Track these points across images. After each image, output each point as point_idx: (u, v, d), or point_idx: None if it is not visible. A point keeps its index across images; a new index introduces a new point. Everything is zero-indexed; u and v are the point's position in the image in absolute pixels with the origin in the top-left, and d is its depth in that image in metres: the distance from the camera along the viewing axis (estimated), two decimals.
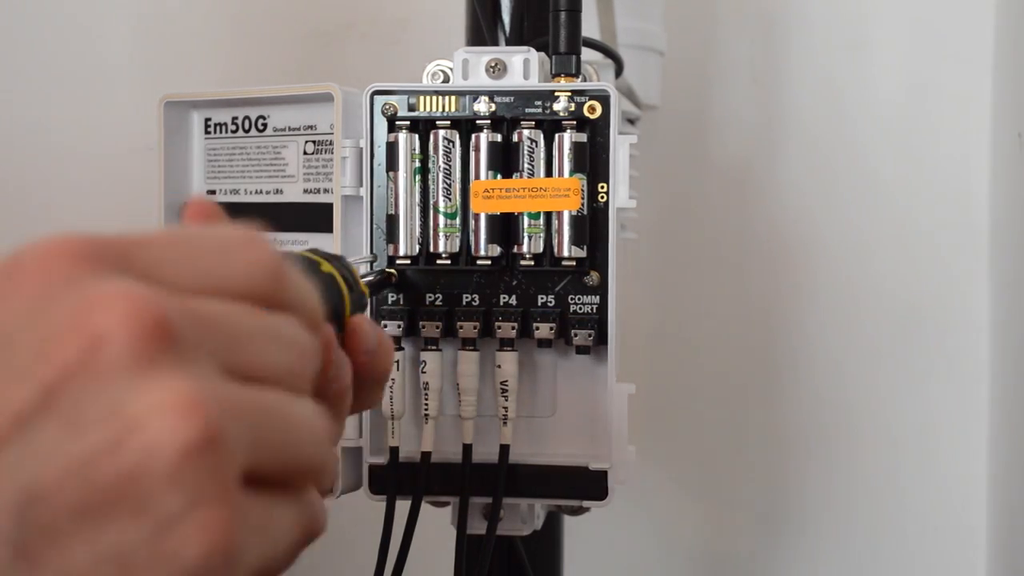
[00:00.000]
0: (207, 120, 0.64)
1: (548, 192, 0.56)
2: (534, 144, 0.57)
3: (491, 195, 0.56)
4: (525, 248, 0.57)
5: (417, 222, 0.57)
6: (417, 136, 0.57)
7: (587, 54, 0.64)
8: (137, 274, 0.27)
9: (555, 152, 0.57)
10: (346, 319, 0.39)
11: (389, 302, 0.58)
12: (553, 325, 0.57)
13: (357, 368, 0.38)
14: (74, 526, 0.25)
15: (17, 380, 0.25)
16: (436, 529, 0.65)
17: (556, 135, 0.57)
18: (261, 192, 0.62)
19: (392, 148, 0.57)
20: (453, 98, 0.57)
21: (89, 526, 0.25)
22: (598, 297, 0.57)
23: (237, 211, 0.63)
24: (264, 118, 0.62)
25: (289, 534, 0.29)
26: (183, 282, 0.29)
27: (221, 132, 0.63)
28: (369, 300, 0.57)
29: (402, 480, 0.58)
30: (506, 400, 0.57)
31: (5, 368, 0.25)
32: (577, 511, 0.63)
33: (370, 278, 0.56)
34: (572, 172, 0.56)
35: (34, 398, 0.25)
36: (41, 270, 0.26)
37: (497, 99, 0.57)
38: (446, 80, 0.59)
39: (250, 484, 0.27)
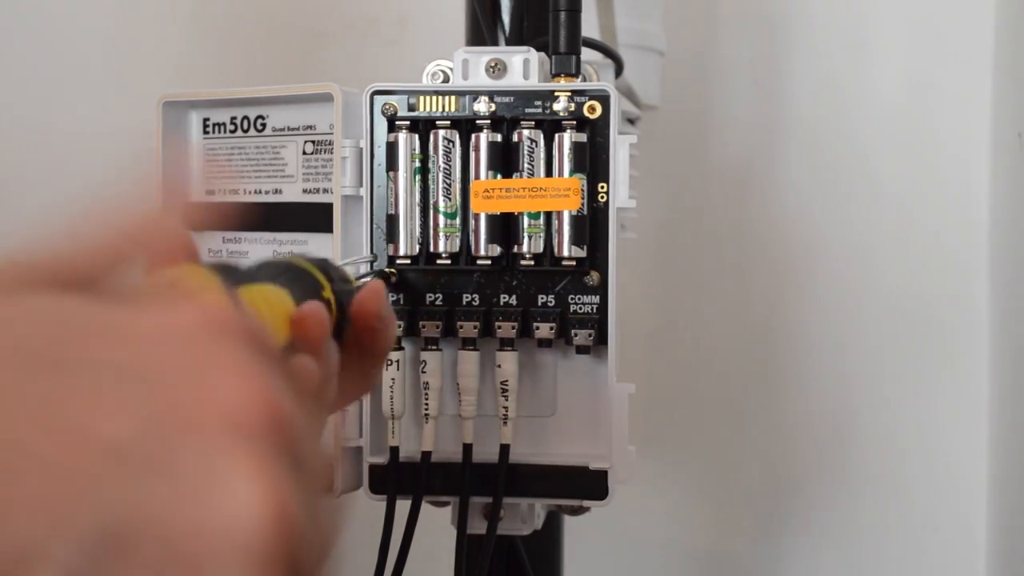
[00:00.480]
0: (206, 120, 0.64)
1: (548, 192, 0.56)
2: (534, 144, 0.57)
3: (491, 195, 0.56)
4: (525, 248, 0.57)
5: (417, 222, 0.57)
6: (417, 136, 0.57)
7: (587, 54, 0.64)
8: (265, 355, 0.28)
9: (555, 152, 0.56)
10: (332, 313, 0.39)
11: (389, 302, 0.58)
12: (553, 325, 0.57)
13: (363, 336, 0.38)
14: (139, 570, 0.24)
15: (126, 412, 0.25)
16: (436, 529, 0.65)
17: (556, 135, 0.57)
18: (260, 192, 0.62)
19: (392, 148, 0.57)
20: (453, 98, 0.57)
21: (150, 571, 0.24)
22: (598, 297, 0.57)
23: (236, 211, 0.63)
24: (263, 118, 0.62)
25: None
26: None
27: (220, 132, 0.63)
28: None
29: (402, 480, 0.58)
30: (506, 400, 0.57)
31: (118, 398, 0.25)
32: (577, 511, 0.63)
33: (369, 278, 0.56)
34: (572, 172, 0.56)
35: (139, 434, 0.25)
36: (193, 323, 0.27)
37: (497, 99, 0.57)
38: (446, 80, 0.59)
39: None
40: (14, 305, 0.27)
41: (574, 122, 0.56)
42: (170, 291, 0.29)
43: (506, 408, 0.57)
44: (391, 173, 0.57)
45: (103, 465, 0.24)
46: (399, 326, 0.58)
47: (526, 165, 0.56)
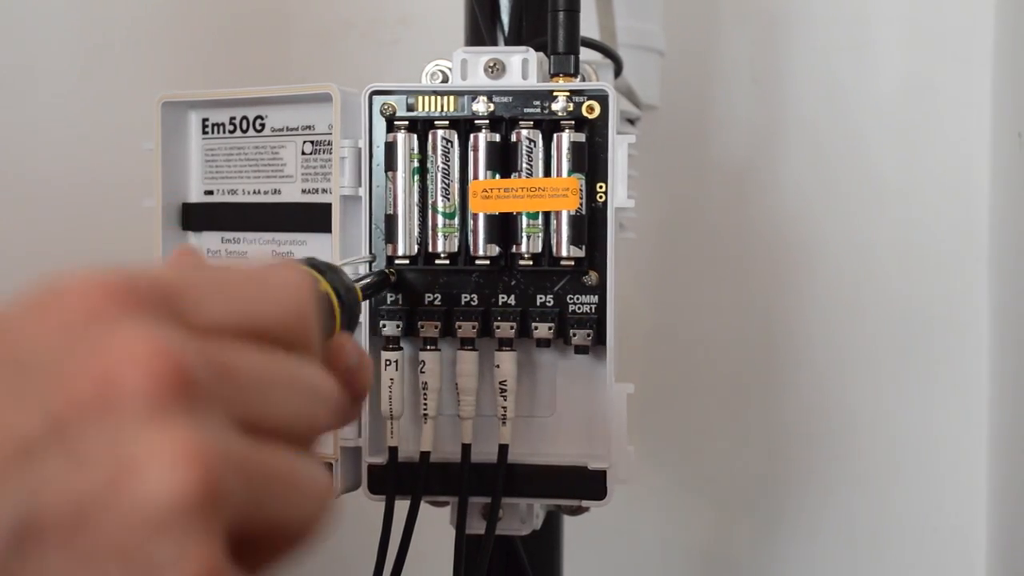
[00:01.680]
0: (204, 120, 0.64)
1: (547, 192, 0.56)
2: (532, 144, 0.57)
3: (490, 195, 0.56)
4: (524, 248, 0.57)
5: (416, 222, 0.57)
6: (416, 136, 0.57)
7: (586, 54, 0.64)
8: (171, 316, 0.28)
9: (554, 152, 0.56)
10: (334, 336, 0.39)
11: (388, 302, 0.58)
12: (552, 325, 0.57)
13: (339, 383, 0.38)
14: (61, 560, 0.25)
15: (27, 407, 0.25)
16: (435, 529, 0.65)
17: (555, 135, 0.56)
18: (259, 192, 0.62)
19: (391, 148, 0.57)
20: (452, 98, 0.57)
21: (76, 562, 0.25)
22: (597, 297, 0.57)
23: (235, 212, 0.63)
24: (262, 118, 0.62)
25: None
26: (217, 323, 0.29)
27: (219, 132, 0.63)
28: (365, 303, 0.57)
29: (401, 480, 0.58)
30: (505, 400, 0.57)
31: (18, 393, 0.25)
32: (576, 511, 0.63)
33: (368, 279, 0.56)
34: (571, 172, 0.56)
35: (42, 427, 0.25)
36: (73, 301, 0.27)
37: (496, 99, 0.57)
38: (445, 80, 0.59)
39: (237, 542, 0.27)
40: None
41: (573, 122, 0.56)
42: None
43: (505, 408, 0.57)
44: (390, 173, 0.57)
45: (9, 461, 0.25)
46: (398, 326, 0.58)
47: (525, 165, 0.56)
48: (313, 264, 0.41)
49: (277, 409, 0.29)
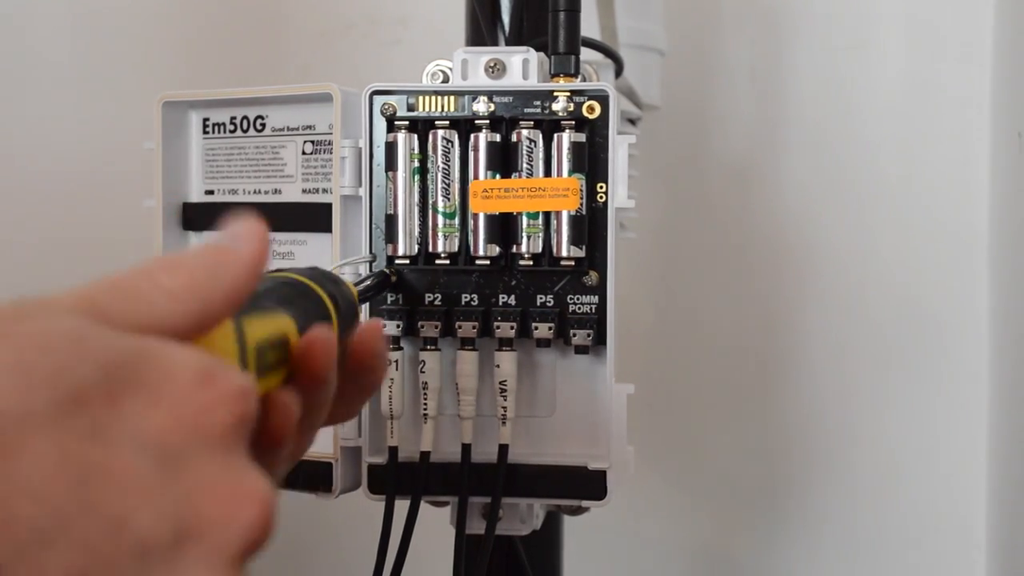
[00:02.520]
0: (205, 120, 0.64)
1: (547, 192, 0.56)
2: (533, 144, 0.57)
3: (490, 195, 0.56)
4: (524, 248, 0.57)
5: (416, 222, 0.57)
6: (416, 136, 0.57)
7: (587, 54, 0.64)
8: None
9: (554, 152, 0.56)
10: (335, 331, 0.40)
11: (388, 302, 0.58)
12: (552, 325, 0.57)
13: (358, 373, 0.39)
14: None
15: (163, 512, 0.26)
16: (435, 529, 0.65)
17: (555, 135, 0.56)
18: (259, 192, 0.62)
19: (391, 148, 0.57)
20: (452, 98, 0.57)
21: None
22: (597, 297, 0.57)
23: (235, 211, 0.63)
24: (263, 118, 0.62)
25: None
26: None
27: (219, 132, 0.63)
28: (364, 306, 0.57)
29: (401, 480, 0.58)
30: (505, 400, 0.57)
31: (158, 490, 0.26)
32: (576, 511, 0.63)
33: (368, 282, 0.56)
34: (571, 172, 0.56)
35: (167, 541, 0.26)
36: (231, 405, 0.28)
37: (496, 99, 0.57)
38: (445, 80, 0.59)
39: None
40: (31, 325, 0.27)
41: (573, 122, 0.56)
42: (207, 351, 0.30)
43: (505, 408, 0.57)
44: (390, 173, 0.57)
45: (128, 558, 0.25)
46: (398, 326, 0.58)
47: (525, 165, 0.56)
48: (314, 275, 0.41)
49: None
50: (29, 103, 1.06)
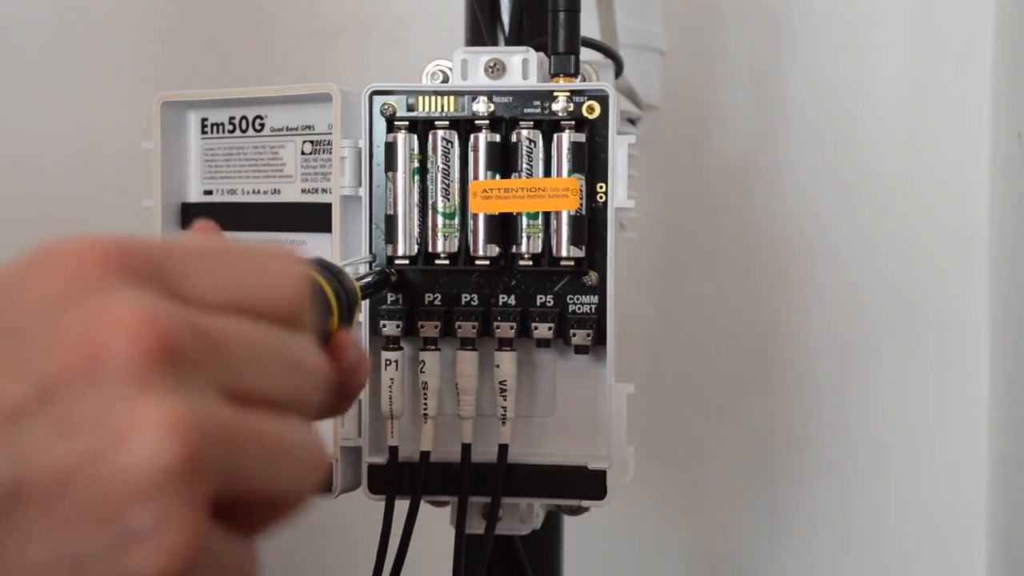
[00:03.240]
0: (204, 120, 0.64)
1: (547, 192, 0.56)
2: (533, 144, 0.57)
3: (490, 195, 0.56)
4: (524, 248, 0.57)
5: (416, 222, 0.57)
6: (416, 136, 0.57)
7: (588, 54, 0.64)
8: (163, 285, 0.28)
9: (554, 152, 0.56)
10: (332, 334, 0.40)
11: (388, 302, 0.58)
12: (552, 325, 0.57)
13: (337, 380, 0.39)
14: (42, 525, 0.25)
15: (16, 374, 0.26)
16: (435, 529, 0.65)
17: (555, 135, 0.56)
18: (259, 192, 0.62)
19: (391, 148, 0.57)
20: (452, 98, 0.57)
21: (56, 527, 0.25)
22: (597, 297, 0.57)
23: (235, 211, 0.63)
24: (262, 118, 0.62)
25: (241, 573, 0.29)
26: (208, 295, 0.29)
27: (218, 132, 0.63)
28: (365, 303, 0.57)
29: (401, 480, 0.58)
30: (505, 400, 0.57)
31: (9, 360, 0.26)
32: (576, 511, 0.63)
33: (369, 279, 0.56)
34: (571, 172, 0.56)
35: (29, 394, 0.25)
36: (66, 268, 0.27)
37: (496, 99, 0.57)
38: (445, 80, 0.59)
39: (220, 512, 0.27)
40: None
41: (573, 122, 0.56)
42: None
43: (505, 408, 0.57)
44: (390, 173, 0.57)
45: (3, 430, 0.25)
46: (398, 326, 0.58)
47: (525, 165, 0.56)
48: (319, 264, 0.41)
49: (265, 379, 0.30)
50: (28, 103, 1.06)
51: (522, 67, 0.59)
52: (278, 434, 0.29)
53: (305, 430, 0.30)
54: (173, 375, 0.26)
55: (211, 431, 0.26)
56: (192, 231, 0.36)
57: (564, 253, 0.56)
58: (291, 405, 0.30)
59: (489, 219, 0.57)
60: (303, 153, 0.61)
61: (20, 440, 0.25)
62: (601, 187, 0.57)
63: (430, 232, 0.57)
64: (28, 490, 0.25)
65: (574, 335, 0.57)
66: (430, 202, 0.57)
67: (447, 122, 0.57)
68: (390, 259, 0.58)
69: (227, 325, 0.29)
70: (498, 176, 0.57)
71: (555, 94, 0.57)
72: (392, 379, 0.58)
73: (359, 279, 0.54)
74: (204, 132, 0.64)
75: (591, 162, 0.57)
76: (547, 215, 0.57)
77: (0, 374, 0.26)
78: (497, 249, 0.57)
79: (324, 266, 0.42)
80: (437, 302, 0.58)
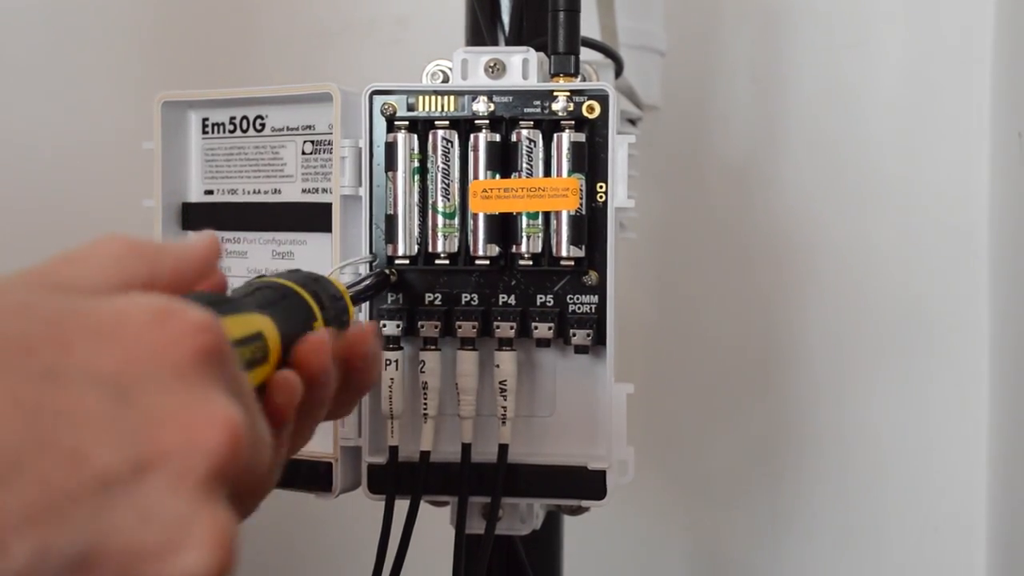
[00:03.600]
0: (204, 120, 0.64)
1: (547, 192, 0.56)
2: (533, 144, 0.57)
3: (490, 195, 0.56)
4: (524, 248, 0.57)
5: (416, 222, 0.57)
6: (416, 136, 0.57)
7: (587, 54, 0.64)
8: (240, 405, 0.30)
9: (554, 152, 0.56)
10: (321, 327, 0.40)
11: (388, 302, 0.58)
12: (552, 325, 0.57)
13: (348, 373, 0.39)
14: None
15: (119, 443, 0.26)
16: (435, 528, 0.65)
17: (555, 135, 0.56)
18: (259, 192, 0.62)
19: (391, 148, 0.57)
20: (452, 98, 0.57)
21: None
22: (596, 297, 0.57)
23: (235, 211, 0.63)
24: (262, 118, 0.62)
25: None
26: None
27: (219, 132, 0.63)
28: (359, 308, 0.57)
29: (401, 479, 0.58)
30: (505, 400, 0.57)
31: (116, 425, 0.27)
32: (576, 511, 0.63)
33: (367, 281, 0.56)
34: (571, 172, 0.56)
35: (125, 468, 0.26)
36: (183, 340, 0.28)
37: (496, 99, 0.57)
38: (445, 80, 0.59)
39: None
40: None
41: (573, 122, 0.56)
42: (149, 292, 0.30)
43: (505, 408, 0.57)
44: (390, 173, 0.57)
45: (89, 492, 0.26)
46: (398, 326, 0.58)
47: (525, 165, 0.56)
48: (296, 277, 0.42)
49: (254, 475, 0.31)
50: (27, 104, 1.06)
51: (522, 67, 0.59)
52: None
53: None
54: (226, 491, 0.28)
55: (237, 544, 0.28)
56: (193, 239, 0.37)
57: (564, 253, 0.56)
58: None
59: (489, 219, 0.57)
60: (303, 153, 0.61)
61: (105, 512, 0.26)
62: (601, 187, 0.57)
63: (430, 232, 0.57)
64: (98, 565, 0.26)
65: (574, 335, 0.57)
66: (430, 202, 0.57)
67: (447, 122, 0.57)
68: (390, 259, 0.58)
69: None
70: (498, 176, 0.57)
71: (555, 94, 0.57)
72: (392, 379, 0.58)
73: (355, 283, 0.54)
74: (205, 132, 0.64)
75: (591, 162, 0.57)
76: (547, 215, 0.57)
77: (108, 439, 0.26)
78: (497, 249, 0.57)
79: (304, 279, 0.42)
80: (437, 302, 0.58)
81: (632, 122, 0.80)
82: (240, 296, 0.38)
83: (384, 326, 0.58)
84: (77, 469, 0.26)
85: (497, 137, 0.57)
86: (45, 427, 0.25)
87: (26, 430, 0.25)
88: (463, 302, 0.58)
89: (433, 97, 0.57)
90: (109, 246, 0.32)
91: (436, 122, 0.57)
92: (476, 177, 0.57)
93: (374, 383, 0.41)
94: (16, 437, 0.25)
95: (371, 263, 0.58)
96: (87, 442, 0.26)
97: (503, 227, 0.57)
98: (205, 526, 0.27)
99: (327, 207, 0.59)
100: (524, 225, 0.57)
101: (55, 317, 0.27)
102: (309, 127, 0.61)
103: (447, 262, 0.57)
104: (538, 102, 0.57)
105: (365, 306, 0.58)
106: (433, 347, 0.58)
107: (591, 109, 0.57)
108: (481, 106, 0.57)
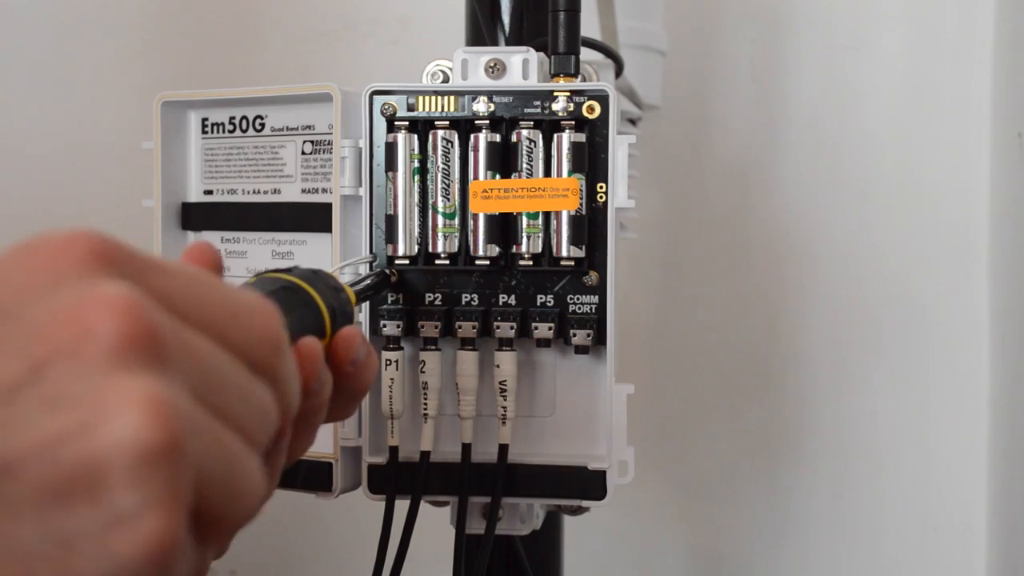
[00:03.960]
0: (204, 120, 0.64)
1: (547, 192, 0.56)
2: (533, 144, 0.56)
3: (490, 195, 0.56)
4: (524, 248, 0.57)
5: (416, 222, 0.57)
6: (416, 136, 0.57)
7: (587, 54, 0.64)
8: (146, 287, 0.29)
9: (554, 152, 0.56)
10: (327, 334, 0.40)
11: (388, 302, 0.58)
12: (552, 325, 0.57)
13: (339, 379, 0.39)
14: (31, 502, 0.25)
15: (11, 354, 0.27)
16: (435, 529, 0.65)
17: (555, 135, 0.56)
18: (259, 192, 0.62)
19: (391, 148, 0.57)
20: (452, 98, 0.57)
21: (45, 504, 0.26)
22: (597, 297, 0.57)
23: (235, 211, 0.63)
24: (262, 118, 0.62)
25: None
26: (187, 313, 0.30)
27: (218, 132, 0.63)
28: (359, 307, 0.57)
29: (401, 480, 0.58)
30: (505, 400, 0.57)
31: (2, 339, 0.27)
32: (576, 511, 0.63)
33: (368, 280, 0.56)
34: (571, 172, 0.56)
35: (22, 373, 0.26)
36: (57, 254, 0.28)
37: (496, 99, 0.57)
38: (445, 80, 0.59)
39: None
40: None
41: (573, 122, 0.56)
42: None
43: (505, 408, 0.57)
44: (390, 173, 0.57)
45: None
46: (398, 326, 0.58)
47: (525, 165, 0.56)
48: (297, 272, 0.41)
49: (230, 406, 0.30)
50: (27, 104, 1.06)
51: (522, 67, 0.59)
52: (236, 451, 0.30)
53: (256, 461, 0.31)
54: (154, 363, 0.27)
55: (188, 422, 0.27)
56: (189, 251, 0.36)
57: (564, 253, 0.56)
58: (247, 434, 0.31)
59: (489, 219, 0.57)
60: (303, 153, 0.61)
61: (13, 416, 0.26)
62: (601, 187, 0.57)
63: (430, 232, 0.57)
64: (19, 464, 0.25)
65: (574, 335, 0.57)
66: (430, 202, 0.57)
67: (447, 122, 0.57)
68: (390, 259, 0.58)
69: (199, 341, 0.30)
70: (498, 176, 0.57)
71: (555, 94, 0.57)
72: (392, 379, 0.58)
73: (358, 281, 0.54)
74: (204, 132, 0.64)
75: (591, 162, 0.57)
76: (547, 215, 0.57)
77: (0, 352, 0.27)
78: (497, 249, 0.57)
79: (305, 273, 0.42)
80: (437, 302, 0.58)
81: (632, 122, 0.80)
82: (265, 293, 0.38)
83: (384, 326, 0.58)
84: None
85: (497, 137, 0.57)
86: None
87: None
88: (463, 302, 0.58)
89: (433, 97, 0.57)
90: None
91: (436, 122, 0.57)
92: (476, 177, 0.57)
93: (369, 386, 0.41)
94: None
95: (371, 263, 0.58)
96: None
97: (503, 227, 0.57)
98: (124, 393, 0.26)
99: (327, 207, 0.59)
100: (524, 225, 0.57)
101: None
102: (309, 127, 0.61)
103: (447, 262, 0.57)
104: (538, 102, 0.57)
105: (365, 306, 0.58)
106: (433, 347, 0.58)
107: (591, 109, 0.57)
108: (481, 106, 0.57)
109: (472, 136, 0.57)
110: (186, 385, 0.28)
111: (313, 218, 0.60)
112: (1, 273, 0.28)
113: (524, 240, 0.57)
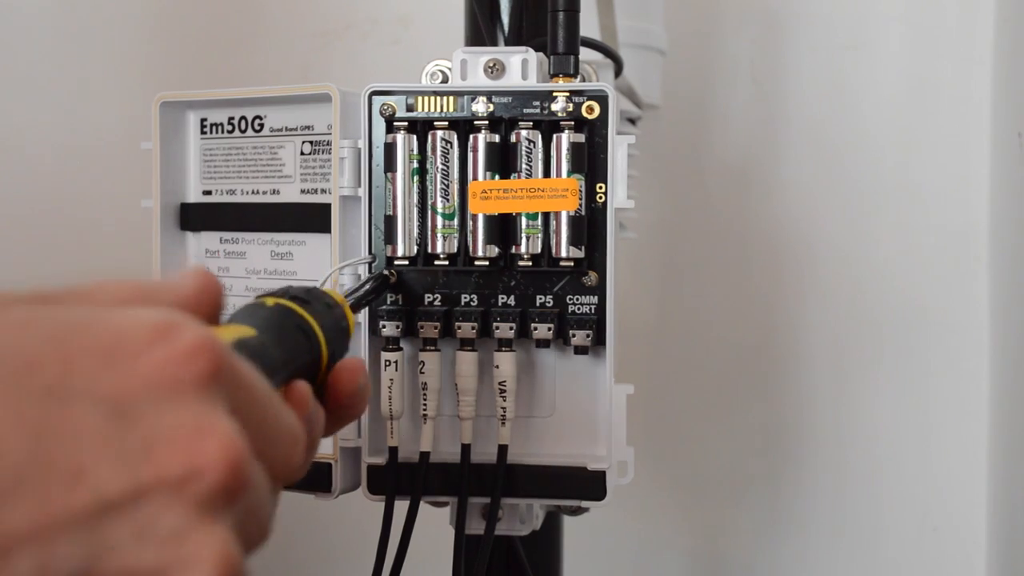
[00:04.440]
0: (203, 120, 0.64)
1: (546, 193, 0.56)
2: (532, 144, 0.56)
3: (489, 196, 0.56)
4: (523, 248, 0.57)
5: (415, 223, 0.57)
6: (415, 137, 0.57)
7: (587, 54, 0.64)
8: (244, 432, 0.29)
9: (553, 152, 0.56)
10: (323, 355, 0.40)
11: (388, 303, 0.58)
12: (551, 325, 0.57)
13: (336, 409, 0.39)
14: None
15: (120, 464, 0.27)
16: (435, 529, 0.65)
17: (554, 135, 0.56)
18: (258, 192, 0.62)
19: (390, 149, 0.57)
20: (451, 98, 0.57)
21: None
22: (596, 297, 0.57)
23: (234, 212, 0.63)
24: (261, 118, 0.62)
25: None
26: (259, 455, 0.31)
27: (217, 132, 0.63)
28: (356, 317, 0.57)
29: (401, 480, 0.58)
30: (504, 400, 0.57)
31: (117, 445, 0.27)
32: (576, 511, 0.63)
33: (367, 286, 0.55)
34: (570, 172, 0.56)
35: (126, 492, 0.27)
36: (185, 361, 0.28)
37: (495, 99, 0.57)
38: (445, 80, 0.59)
39: None
40: None
41: (572, 122, 0.56)
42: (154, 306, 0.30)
43: (504, 408, 0.57)
44: (389, 174, 0.57)
45: (89, 511, 0.26)
46: (397, 327, 0.58)
47: (524, 166, 0.56)
48: (291, 293, 0.41)
49: (259, 502, 0.31)
50: (26, 104, 1.06)
51: (522, 67, 0.59)
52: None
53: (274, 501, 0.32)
54: (232, 510, 0.28)
55: (241, 566, 0.28)
56: (187, 275, 0.36)
57: (564, 253, 0.56)
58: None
59: (488, 219, 0.56)
60: (302, 153, 0.61)
61: (103, 534, 0.26)
62: (601, 187, 0.57)
63: (429, 233, 0.57)
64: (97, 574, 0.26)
65: (574, 335, 0.57)
66: (429, 203, 0.57)
67: (446, 122, 0.57)
68: (390, 260, 0.58)
69: (261, 478, 0.31)
70: (497, 176, 0.57)
71: (555, 94, 0.57)
72: (392, 380, 0.58)
73: (355, 290, 0.54)
74: (203, 132, 0.64)
75: (591, 162, 0.57)
76: (546, 215, 0.57)
77: (108, 459, 0.27)
78: (496, 249, 0.57)
79: (300, 296, 0.41)
80: (437, 303, 0.58)
81: (632, 121, 0.80)
82: (261, 323, 0.38)
83: (383, 327, 0.58)
84: (77, 488, 0.26)
85: (496, 138, 0.57)
86: (47, 445, 0.26)
87: (28, 448, 0.26)
88: (462, 303, 0.58)
89: (432, 97, 0.57)
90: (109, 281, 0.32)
91: (435, 123, 0.57)
92: (475, 178, 0.57)
93: (362, 412, 0.42)
94: (19, 454, 0.25)
95: (370, 264, 0.58)
96: (87, 462, 0.26)
97: (502, 228, 0.57)
98: (205, 546, 0.27)
99: (326, 208, 0.59)
100: (523, 226, 0.57)
101: (57, 333, 0.27)
102: (308, 127, 0.61)
103: (446, 263, 0.57)
104: (537, 102, 0.57)
105: (364, 309, 0.58)
106: (432, 348, 0.58)
107: (591, 109, 0.56)
108: (480, 106, 0.57)
109: (471, 136, 0.57)
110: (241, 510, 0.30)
111: (312, 219, 0.60)
112: (125, 346, 0.28)
113: (523, 241, 0.57)
